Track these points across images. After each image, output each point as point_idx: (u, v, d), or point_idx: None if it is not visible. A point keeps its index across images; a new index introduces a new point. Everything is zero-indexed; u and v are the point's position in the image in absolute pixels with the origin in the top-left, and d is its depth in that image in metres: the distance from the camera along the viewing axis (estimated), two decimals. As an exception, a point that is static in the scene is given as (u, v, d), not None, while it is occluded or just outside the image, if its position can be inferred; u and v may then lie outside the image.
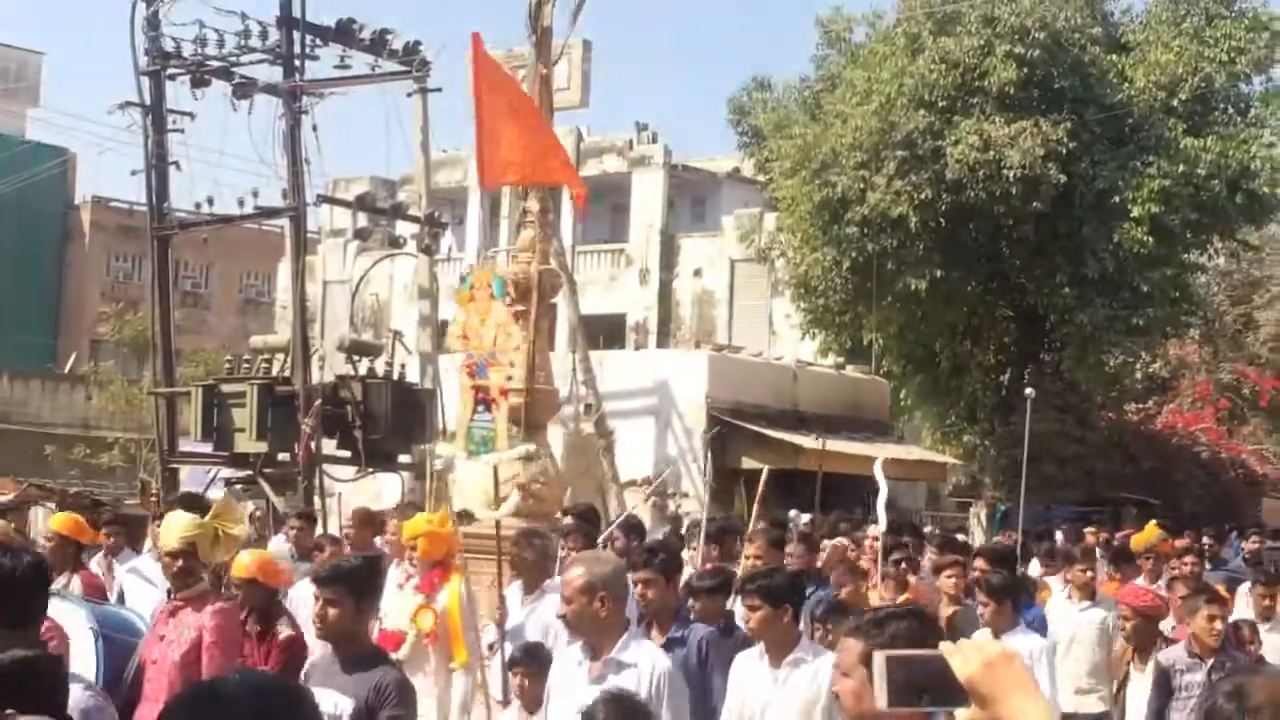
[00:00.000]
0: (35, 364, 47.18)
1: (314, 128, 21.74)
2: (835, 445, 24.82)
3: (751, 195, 37.86)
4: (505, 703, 8.06)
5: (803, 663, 6.39)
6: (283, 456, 20.25)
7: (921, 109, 26.86)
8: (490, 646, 8.32)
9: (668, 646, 6.45)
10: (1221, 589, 11.89)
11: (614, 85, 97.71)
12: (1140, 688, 8.69)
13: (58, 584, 9.17)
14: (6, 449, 35.57)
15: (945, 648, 2.52)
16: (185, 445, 22.55)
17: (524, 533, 9.11)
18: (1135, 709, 8.96)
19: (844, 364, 30.89)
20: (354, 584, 5.99)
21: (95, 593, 9.21)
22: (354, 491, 20.28)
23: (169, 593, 7.58)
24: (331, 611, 5.92)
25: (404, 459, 21.46)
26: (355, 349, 21.42)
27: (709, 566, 9.68)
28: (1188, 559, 13.26)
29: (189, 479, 23.50)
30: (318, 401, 19.97)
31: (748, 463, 25.44)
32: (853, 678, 4.02)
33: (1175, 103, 27.76)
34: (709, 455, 24.69)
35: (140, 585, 10.18)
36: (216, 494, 21.72)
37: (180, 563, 7.10)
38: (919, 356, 30.14)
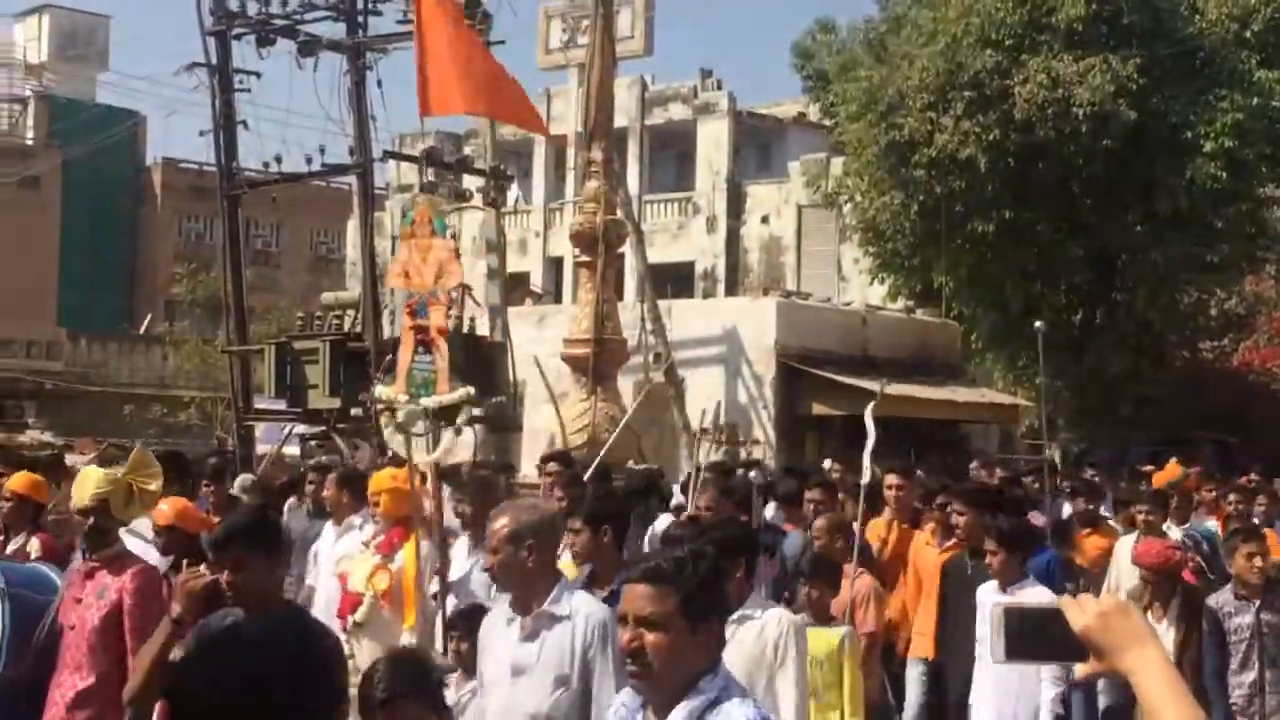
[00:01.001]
0: (112, 325, 47.81)
1: (379, 84, 21.89)
2: (902, 389, 24.72)
3: (818, 140, 37.65)
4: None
5: (749, 619, 6.09)
6: (356, 412, 20.41)
7: (989, 48, 26.56)
8: (433, 597, 8.01)
9: (611, 600, 5.90)
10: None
11: (678, 32, 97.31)
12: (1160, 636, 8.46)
13: (14, 545, 8.76)
14: (87, 409, 36.15)
15: (1063, 602, 2.52)
16: (260, 402, 22.76)
17: (467, 480, 9.00)
18: None
19: (914, 308, 30.70)
20: (254, 539, 5.44)
21: (53, 556, 8.61)
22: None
23: (84, 553, 7.04)
24: (240, 576, 5.30)
25: (476, 412, 21.51)
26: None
27: (684, 516, 9.53)
28: (1232, 496, 12.62)
29: (264, 435, 23.78)
30: (389, 356, 20.06)
31: (818, 409, 25.39)
32: (671, 630, 3.71)
33: (1248, 34, 27.31)
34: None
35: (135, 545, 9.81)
36: (291, 450, 22.04)
37: (92, 521, 6.60)
38: (989, 298, 29.90)
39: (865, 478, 9.75)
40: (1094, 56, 25.83)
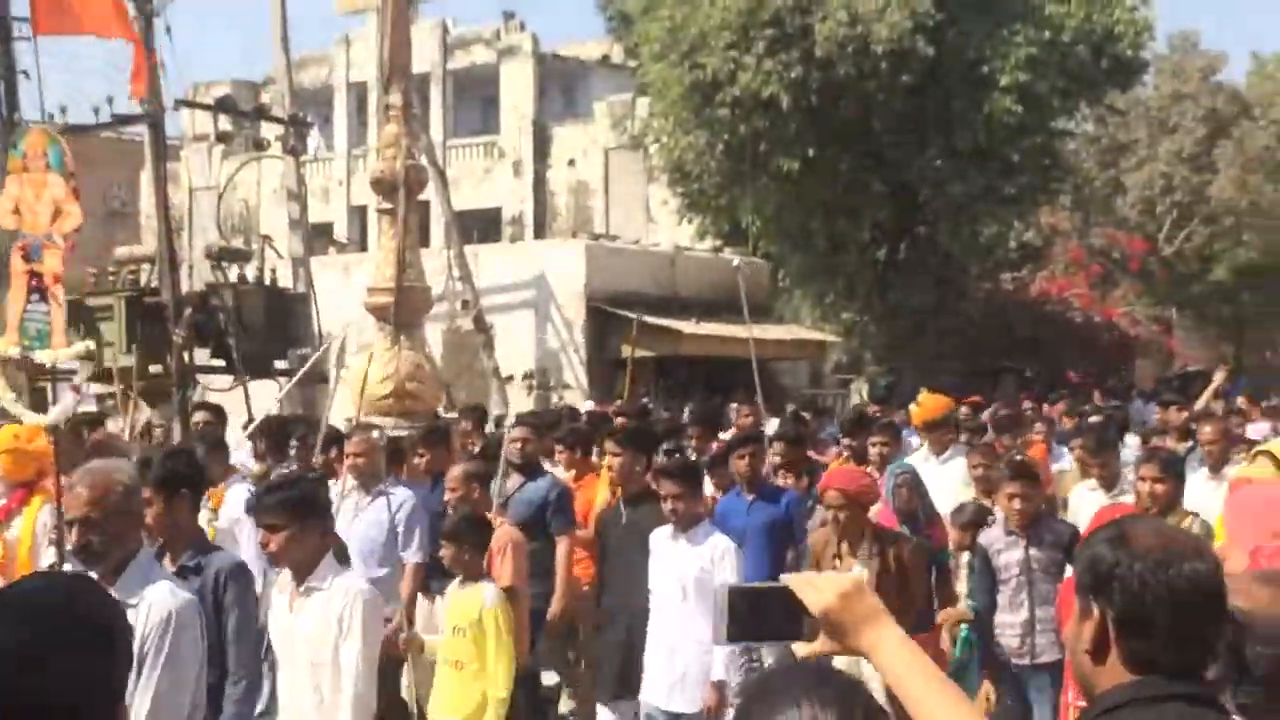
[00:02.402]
0: (-104, 288, 45.86)
1: (168, 30, 21.08)
2: (710, 328, 24.88)
3: (623, 81, 37.53)
4: None
5: (315, 590, 5.63)
6: (154, 369, 19.86)
7: (789, -15, 26.64)
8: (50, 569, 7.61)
9: (180, 574, 5.38)
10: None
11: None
12: None
13: None
14: None
15: (793, 581, 2.47)
16: (54, 363, 21.98)
17: (90, 447, 8.46)
18: None
19: (721, 247, 30.87)
20: None
21: None
22: (230, 401, 19.96)
23: None
24: None
25: (280, 365, 21.19)
26: (224, 255, 21.01)
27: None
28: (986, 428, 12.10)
29: (60, 397, 22.97)
30: (188, 311, 19.56)
31: (629, 351, 25.45)
32: None
33: (1039, -32, 27.81)
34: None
35: None
36: (90, 409, 21.32)
37: None
38: (796, 236, 30.18)
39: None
40: (891, -8, 26.06)
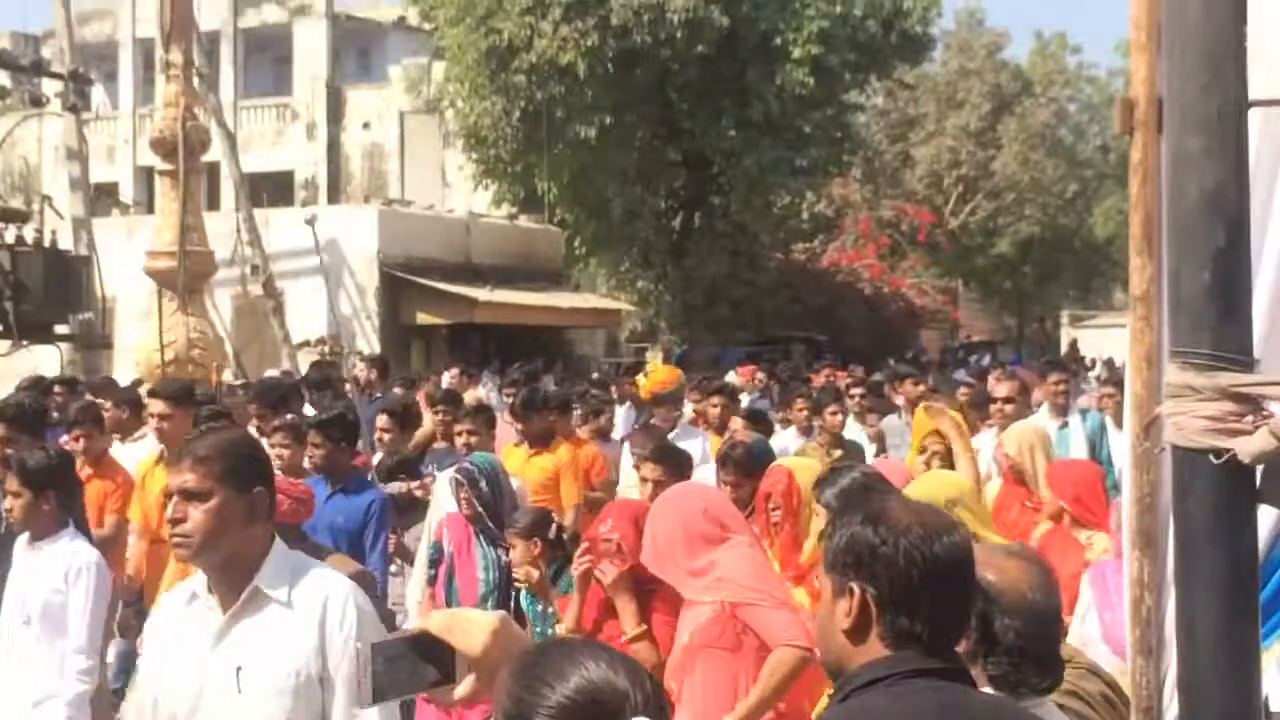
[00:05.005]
0: None
1: (-62, -21, 20.33)
2: (505, 296, 24.85)
3: (419, 45, 37.09)
4: None
5: None
6: (-72, 333, 19.16)
7: (585, -48, 26.65)
8: None
9: None
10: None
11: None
12: None
13: None
14: None
15: (434, 625, 2.34)
16: None
17: None
18: None
19: (517, 214, 30.78)
20: None
21: None
22: (8, 367, 19.30)
23: None
24: None
25: (61, 329, 20.57)
26: (1, 216, 20.32)
27: None
28: (714, 399, 10.31)
29: None
30: (-37, 274, 18.89)
31: (422, 318, 25.23)
32: None
33: (831, -58, 28.22)
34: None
35: None
36: None
37: None
38: (592, 204, 30.24)
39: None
40: (687, -38, 26.23)
